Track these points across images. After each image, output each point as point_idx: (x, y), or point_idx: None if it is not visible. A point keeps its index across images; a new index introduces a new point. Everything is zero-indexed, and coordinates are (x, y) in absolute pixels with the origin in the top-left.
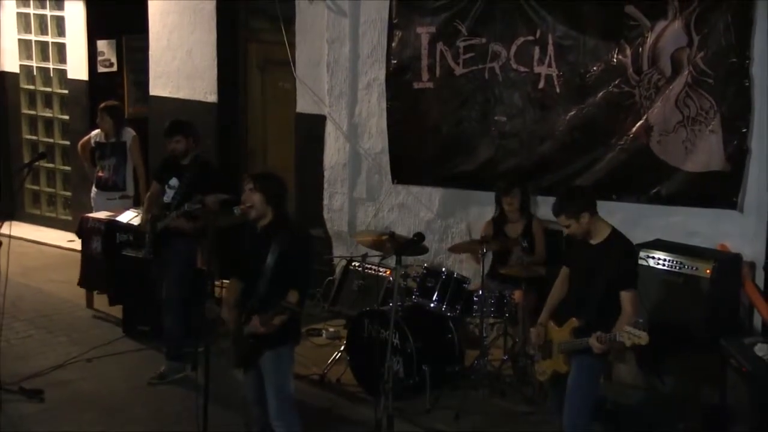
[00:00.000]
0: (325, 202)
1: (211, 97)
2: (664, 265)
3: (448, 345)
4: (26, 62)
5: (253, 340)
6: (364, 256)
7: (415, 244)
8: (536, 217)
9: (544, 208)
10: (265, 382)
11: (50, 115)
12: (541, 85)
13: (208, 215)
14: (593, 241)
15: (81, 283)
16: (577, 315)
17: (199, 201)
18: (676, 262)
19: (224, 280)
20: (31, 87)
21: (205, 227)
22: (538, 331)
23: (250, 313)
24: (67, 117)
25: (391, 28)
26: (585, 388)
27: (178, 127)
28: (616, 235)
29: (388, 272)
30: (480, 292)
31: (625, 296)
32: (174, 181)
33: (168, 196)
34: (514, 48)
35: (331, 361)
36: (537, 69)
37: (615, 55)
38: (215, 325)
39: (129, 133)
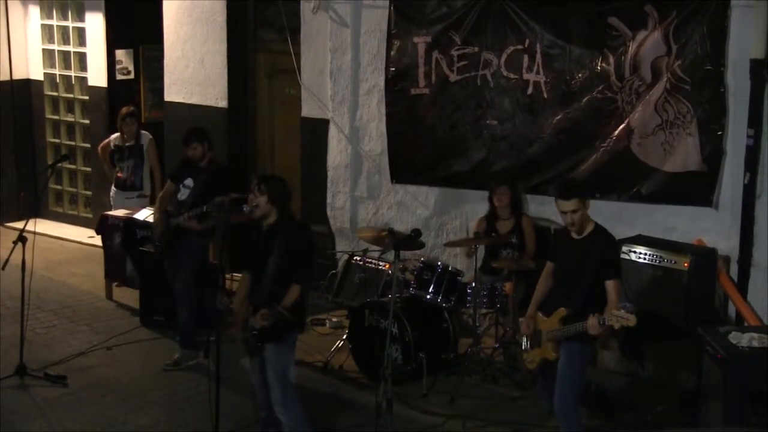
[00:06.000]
0: (329, 200)
1: (222, 103)
2: (645, 259)
3: (443, 334)
4: (50, 70)
5: (256, 330)
6: (365, 251)
7: (413, 239)
8: (526, 214)
9: (533, 206)
10: (267, 370)
11: (72, 119)
12: (529, 91)
13: (220, 213)
14: (578, 236)
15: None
16: (565, 305)
17: (216, 205)
18: (656, 256)
19: (235, 274)
20: (55, 93)
21: (216, 224)
22: (528, 322)
23: (256, 306)
24: (87, 121)
25: (390, 38)
26: (575, 373)
27: (194, 135)
28: (599, 230)
29: (387, 266)
30: (473, 285)
31: (610, 285)
32: (189, 181)
33: (183, 194)
34: (504, 56)
35: (334, 349)
36: (526, 76)
37: (599, 63)
38: (225, 316)
39: (146, 137)
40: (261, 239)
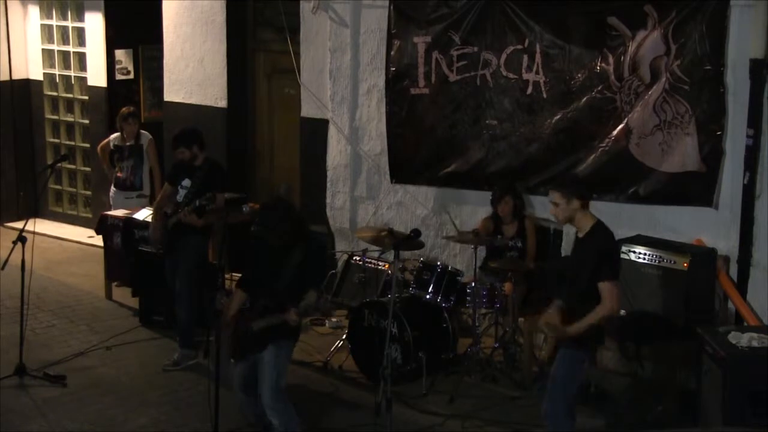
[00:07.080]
0: (328, 200)
1: (222, 103)
2: (644, 258)
3: (442, 334)
4: (49, 70)
5: (259, 334)
6: (365, 251)
7: (412, 239)
8: (529, 216)
9: (532, 205)
10: (263, 373)
11: (72, 119)
12: (529, 90)
13: (219, 211)
14: (580, 234)
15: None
16: (565, 303)
17: (209, 198)
18: (656, 256)
19: (234, 273)
20: (54, 93)
21: (215, 223)
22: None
23: (266, 311)
24: (87, 121)
25: (390, 37)
26: (567, 376)
27: (180, 139)
28: (598, 228)
29: (386, 266)
30: (473, 284)
31: (603, 287)
32: (186, 182)
33: (180, 195)
34: (504, 56)
35: (334, 348)
36: (525, 76)
37: (598, 63)
38: (224, 316)
39: (146, 137)
40: (272, 249)
